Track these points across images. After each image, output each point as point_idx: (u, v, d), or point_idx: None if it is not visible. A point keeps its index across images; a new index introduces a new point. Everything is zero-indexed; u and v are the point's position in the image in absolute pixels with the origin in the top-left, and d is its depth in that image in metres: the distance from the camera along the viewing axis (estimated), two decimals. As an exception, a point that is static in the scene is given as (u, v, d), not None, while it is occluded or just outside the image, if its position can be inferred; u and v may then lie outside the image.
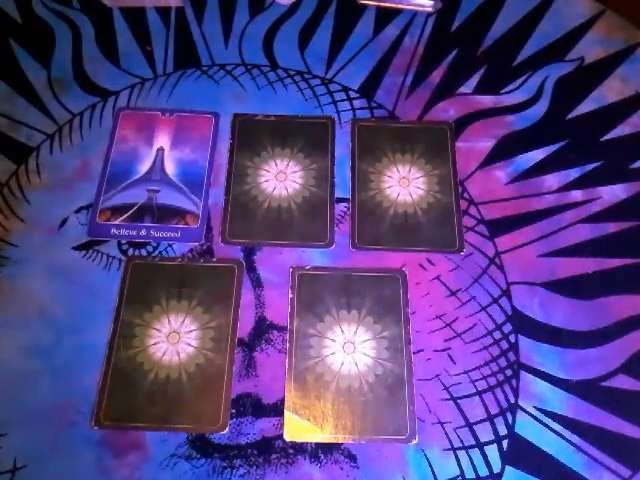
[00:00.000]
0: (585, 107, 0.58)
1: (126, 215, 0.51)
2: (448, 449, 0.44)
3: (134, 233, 0.51)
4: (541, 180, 0.54)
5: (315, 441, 0.44)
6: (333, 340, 0.47)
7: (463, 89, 0.59)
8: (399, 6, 0.63)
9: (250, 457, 0.43)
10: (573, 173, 0.55)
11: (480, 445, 0.44)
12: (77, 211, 0.52)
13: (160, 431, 0.43)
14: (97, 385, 0.44)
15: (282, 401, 0.45)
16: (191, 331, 0.47)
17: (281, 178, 0.54)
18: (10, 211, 0.52)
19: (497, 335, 0.48)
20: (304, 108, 0.58)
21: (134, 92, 0.58)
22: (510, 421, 0.45)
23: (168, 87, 0.58)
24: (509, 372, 0.46)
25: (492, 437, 0.44)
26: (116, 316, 0.47)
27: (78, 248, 0.50)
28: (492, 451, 0.44)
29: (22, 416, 0.44)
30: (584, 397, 0.45)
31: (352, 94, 0.58)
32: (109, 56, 0.60)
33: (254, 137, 0.56)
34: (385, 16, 0.63)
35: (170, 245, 0.51)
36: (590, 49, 0.61)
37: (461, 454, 0.43)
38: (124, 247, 0.50)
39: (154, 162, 0.54)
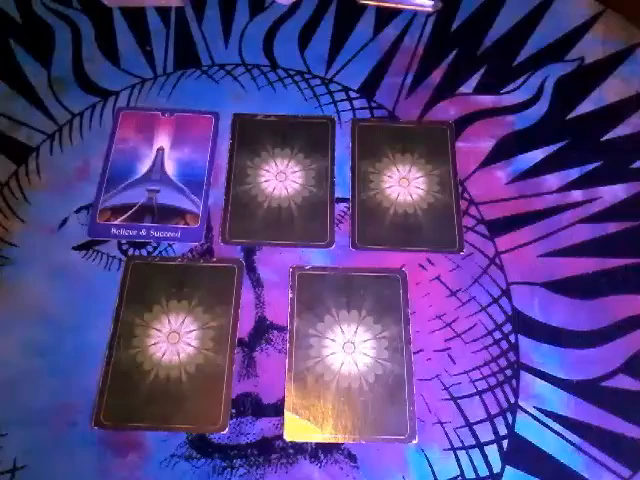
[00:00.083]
0: (585, 107, 0.58)
1: (126, 215, 0.51)
2: (448, 449, 0.44)
3: (134, 233, 0.51)
4: (541, 180, 0.54)
5: (315, 441, 0.44)
6: (333, 340, 0.47)
7: (463, 89, 0.59)
8: (399, 6, 0.63)
9: (250, 457, 0.43)
10: (573, 173, 0.55)
11: (480, 445, 0.44)
12: (77, 211, 0.52)
13: (160, 431, 0.43)
14: (97, 385, 0.44)
15: (282, 401, 0.45)
16: (191, 331, 0.47)
17: (281, 178, 0.54)
18: (10, 211, 0.52)
19: (497, 335, 0.48)
20: (304, 108, 0.58)
21: (134, 92, 0.58)
22: (510, 421, 0.45)
23: (168, 87, 0.58)
24: (509, 372, 0.46)
25: (492, 437, 0.44)
26: (116, 316, 0.47)
27: (78, 248, 0.50)
28: (492, 451, 0.44)
29: (22, 416, 0.44)
30: (584, 397, 0.45)
31: (352, 94, 0.58)
32: (109, 56, 0.60)
33: (254, 137, 0.56)
34: (385, 16, 0.63)
35: (170, 245, 0.51)
36: (590, 49, 0.61)
37: (461, 454, 0.43)
38: (124, 247, 0.50)
39: (154, 162, 0.54)
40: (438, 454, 0.43)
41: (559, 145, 0.56)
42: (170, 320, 0.47)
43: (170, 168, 0.54)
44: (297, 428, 0.44)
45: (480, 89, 0.59)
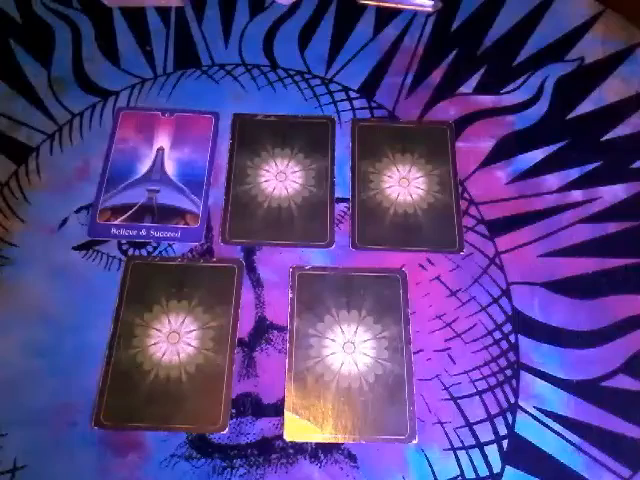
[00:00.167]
0: (585, 107, 0.58)
1: (126, 215, 0.51)
2: (448, 449, 0.44)
3: (134, 233, 0.51)
4: (541, 180, 0.54)
5: (315, 441, 0.44)
6: (333, 340, 0.47)
7: (463, 89, 0.59)
8: (399, 6, 0.63)
9: (250, 457, 0.43)
10: (573, 173, 0.55)
11: (480, 445, 0.44)
12: (77, 211, 0.52)
13: (160, 431, 0.43)
14: (97, 385, 0.44)
15: (282, 401, 0.45)
16: (191, 331, 0.47)
17: (281, 178, 0.54)
18: (10, 211, 0.52)
19: (497, 335, 0.48)
20: (304, 108, 0.58)
21: (134, 92, 0.58)
22: (510, 421, 0.45)
23: (168, 87, 0.58)
24: (509, 372, 0.46)
25: (492, 437, 0.44)
26: (116, 316, 0.47)
27: (78, 248, 0.50)
28: (492, 451, 0.44)
29: (22, 416, 0.44)
30: (584, 397, 0.45)
31: (352, 94, 0.58)
32: (109, 56, 0.60)
33: (254, 137, 0.56)
34: (385, 16, 0.63)
35: (170, 245, 0.51)
36: (590, 49, 0.61)
37: (461, 454, 0.43)
38: (124, 247, 0.50)
39: (154, 162, 0.54)
40: (438, 454, 0.43)
41: (559, 145, 0.56)
42: (170, 320, 0.47)
43: (170, 168, 0.54)
44: (297, 428, 0.44)
45: (480, 89, 0.59)
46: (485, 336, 0.47)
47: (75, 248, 0.50)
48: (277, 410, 0.44)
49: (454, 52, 0.61)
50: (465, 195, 0.53)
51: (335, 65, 0.60)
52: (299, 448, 0.43)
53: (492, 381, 0.46)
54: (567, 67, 0.60)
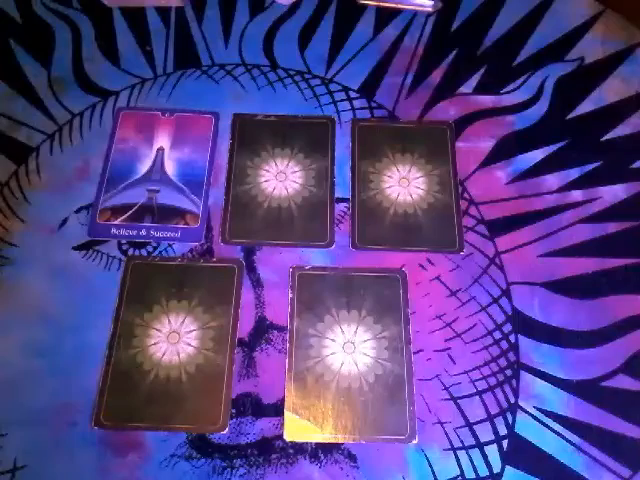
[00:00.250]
0: (585, 107, 0.58)
1: (126, 215, 0.51)
2: (448, 449, 0.44)
3: (134, 233, 0.51)
4: (541, 180, 0.54)
5: (315, 441, 0.44)
6: (333, 340, 0.47)
7: (463, 89, 0.59)
8: (399, 6, 0.63)
9: (250, 457, 0.43)
10: (573, 173, 0.55)
11: (480, 445, 0.44)
12: (77, 211, 0.52)
13: (160, 431, 0.43)
14: (97, 385, 0.44)
15: (282, 401, 0.45)
16: (191, 331, 0.47)
17: (281, 178, 0.54)
18: (10, 211, 0.52)
19: (497, 335, 0.48)
20: (304, 108, 0.58)
21: (134, 92, 0.58)
22: (510, 421, 0.45)
23: (168, 87, 0.58)
24: (509, 372, 0.46)
25: (492, 437, 0.44)
26: (116, 316, 0.47)
27: (78, 248, 0.50)
28: (492, 451, 0.44)
29: (22, 416, 0.44)
30: (584, 397, 0.45)
31: (352, 94, 0.58)
32: (109, 56, 0.60)
33: (254, 137, 0.56)
34: (385, 16, 0.63)
35: (170, 245, 0.51)
36: (590, 49, 0.61)
37: (461, 454, 0.43)
38: (124, 247, 0.50)
39: (154, 162, 0.54)
40: (438, 454, 0.43)
41: (559, 145, 0.56)
42: (170, 320, 0.47)
43: (170, 168, 0.54)
44: (297, 428, 0.44)
45: (480, 89, 0.59)
46: (485, 336, 0.47)
47: (75, 248, 0.50)
48: (277, 410, 0.44)
49: (454, 52, 0.61)
50: (465, 195, 0.53)
51: (335, 65, 0.60)
52: (299, 448, 0.43)
53: (492, 381, 0.46)
54: (567, 67, 0.60)
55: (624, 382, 0.46)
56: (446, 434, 0.44)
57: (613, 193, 0.53)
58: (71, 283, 0.49)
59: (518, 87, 0.59)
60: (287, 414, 0.44)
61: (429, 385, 0.46)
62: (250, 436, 0.44)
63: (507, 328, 0.48)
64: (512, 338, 0.47)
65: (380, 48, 0.61)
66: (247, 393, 0.45)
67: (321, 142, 0.56)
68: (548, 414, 0.45)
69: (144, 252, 0.50)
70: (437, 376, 0.46)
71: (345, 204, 0.53)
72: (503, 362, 0.47)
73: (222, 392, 0.44)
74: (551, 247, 0.51)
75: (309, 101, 0.58)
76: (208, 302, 0.48)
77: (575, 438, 0.44)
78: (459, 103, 0.58)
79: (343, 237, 0.51)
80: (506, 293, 0.49)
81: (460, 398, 0.45)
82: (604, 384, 0.46)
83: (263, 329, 0.48)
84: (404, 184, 0.54)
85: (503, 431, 0.44)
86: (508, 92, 0.59)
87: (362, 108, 0.58)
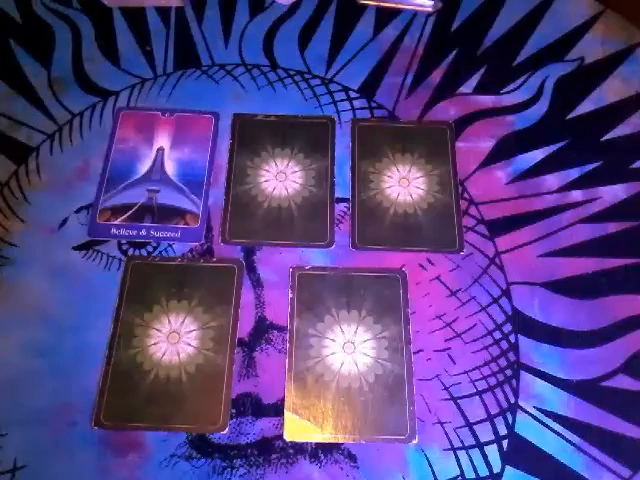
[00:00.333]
0: (585, 107, 0.58)
1: (126, 215, 0.51)
2: (448, 449, 0.44)
3: (134, 233, 0.51)
4: (541, 180, 0.54)
5: (315, 441, 0.44)
6: (333, 340, 0.47)
7: (463, 89, 0.59)
8: (399, 6, 0.63)
9: (250, 457, 0.43)
10: (573, 173, 0.55)
11: (480, 445, 0.44)
12: (77, 211, 0.52)
13: (160, 431, 0.43)
14: (97, 385, 0.44)
15: (282, 401, 0.45)
16: (191, 331, 0.47)
17: (281, 178, 0.54)
18: (10, 211, 0.52)
19: (497, 335, 0.48)
20: (304, 108, 0.58)
21: (134, 92, 0.58)
22: (510, 421, 0.45)
23: (168, 87, 0.58)
24: (509, 372, 0.46)
25: (492, 437, 0.44)
26: (116, 316, 0.47)
27: (78, 248, 0.50)
28: (492, 451, 0.44)
29: (22, 416, 0.44)
30: (584, 397, 0.45)
31: (352, 94, 0.58)
32: (109, 56, 0.60)
33: (254, 137, 0.56)
34: (385, 16, 0.63)
35: (170, 245, 0.51)
36: (590, 49, 0.61)
37: (461, 454, 0.43)
38: (124, 247, 0.50)
39: (154, 162, 0.54)
40: (438, 454, 0.43)
41: (559, 145, 0.56)
42: (170, 320, 0.47)
43: (170, 168, 0.54)
44: (297, 428, 0.44)
45: (480, 89, 0.59)
46: (485, 336, 0.47)
47: (75, 248, 0.50)
48: (277, 410, 0.44)
49: (454, 52, 0.61)
50: (465, 195, 0.53)
51: (335, 65, 0.60)
52: (299, 448, 0.43)
53: (492, 381, 0.46)
54: (567, 67, 0.60)
55: (624, 382, 0.46)
56: (446, 434, 0.44)
57: (613, 193, 0.53)
58: (71, 283, 0.49)
59: (518, 87, 0.59)
60: (287, 414, 0.44)
61: (429, 385, 0.46)
62: (250, 436, 0.44)
63: (507, 328, 0.48)
64: (512, 338, 0.47)
65: (380, 48, 0.61)
66: (247, 393, 0.45)
67: (321, 142, 0.56)
68: (548, 414, 0.45)
69: (144, 252, 0.50)
70: (437, 376, 0.46)
71: (345, 204, 0.53)
72: (503, 362, 0.47)
73: (222, 392, 0.44)
74: (551, 247, 0.51)
75: (309, 101, 0.58)
76: (208, 302, 0.48)
77: (575, 438, 0.44)
78: (459, 103, 0.58)
79: (343, 237, 0.51)
80: (506, 293, 0.49)
81: (460, 398, 0.45)
82: (604, 384, 0.46)
83: (263, 329, 0.48)
84: (404, 184, 0.54)
85: (503, 431, 0.44)
86: (508, 92, 0.59)
87: (362, 108, 0.58)
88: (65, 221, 0.51)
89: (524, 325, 0.48)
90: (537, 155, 0.55)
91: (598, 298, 0.49)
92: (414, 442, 0.43)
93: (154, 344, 0.46)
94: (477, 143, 0.56)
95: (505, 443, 0.44)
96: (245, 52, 0.60)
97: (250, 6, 0.63)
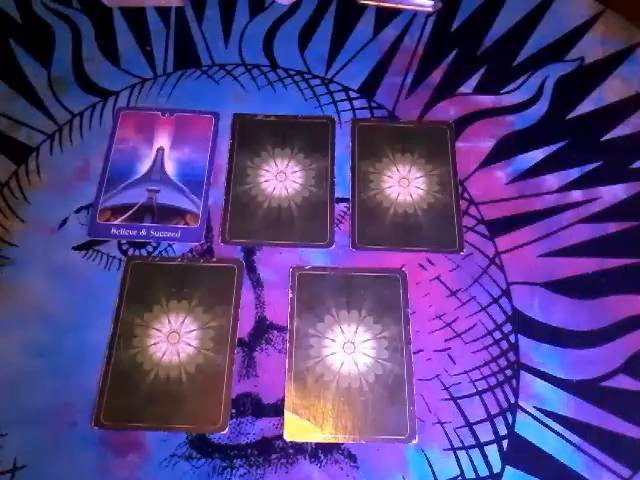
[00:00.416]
0: (585, 107, 0.58)
1: (126, 215, 0.51)
2: (448, 449, 0.44)
3: (134, 233, 0.51)
4: (541, 180, 0.54)
5: (315, 441, 0.44)
6: (333, 340, 0.47)
7: (463, 89, 0.59)
8: (399, 6, 0.63)
9: (250, 457, 0.43)
10: (573, 173, 0.55)
11: (480, 445, 0.44)
12: (77, 211, 0.52)
13: (160, 431, 0.43)
14: (97, 385, 0.44)
15: (282, 401, 0.45)
16: (191, 331, 0.47)
17: (281, 178, 0.54)
18: (10, 211, 0.52)
19: (497, 335, 0.48)
20: (304, 108, 0.58)
21: (134, 92, 0.58)
22: (510, 421, 0.45)
23: (168, 87, 0.58)
24: (509, 372, 0.46)
25: (492, 437, 0.44)
26: (116, 316, 0.47)
27: (78, 248, 0.50)
28: (492, 451, 0.44)
29: (22, 416, 0.44)
30: (584, 397, 0.45)
31: (352, 94, 0.58)
32: (109, 56, 0.60)
33: (254, 137, 0.56)
34: (385, 16, 0.63)
35: (170, 245, 0.51)
36: (590, 49, 0.61)
37: (461, 454, 0.43)
38: (124, 247, 0.50)
39: (154, 162, 0.54)
40: (438, 454, 0.43)
41: (559, 145, 0.56)
42: (170, 320, 0.47)
43: (170, 168, 0.54)
44: (297, 428, 0.44)
45: (480, 89, 0.59)
46: (485, 336, 0.47)
47: (75, 248, 0.50)
48: (277, 410, 0.44)
49: (454, 52, 0.61)
50: (465, 195, 0.53)
51: (335, 65, 0.60)
52: (299, 448, 0.43)
53: (492, 381, 0.46)
54: (567, 67, 0.60)
55: (624, 382, 0.46)
56: (446, 434, 0.44)
57: (613, 193, 0.53)
58: (71, 283, 0.49)
59: (518, 87, 0.59)
60: (287, 414, 0.44)
61: (429, 385, 0.46)
62: (250, 436, 0.44)
63: (507, 328, 0.48)
64: (512, 338, 0.47)
65: (380, 48, 0.61)
66: (247, 393, 0.45)
67: (321, 142, 0.56)
68: (548, 414, 0.45)
69: (144, 252, 0.50)
70: (437, 376, 0.46)
71: (345, 204, 0.53)
72: (503, 362, 0.47)
73: (222, 392, 0.44)
74: (551, 247, 0.51)
75: (309, 101, 0.58)
76: (208, 302, 0.48)
77: (575, 438, 0.44)
78: (459, 103, 0.58)
79: (343, 237, 0.51)
80: (506, 293, 0.49)
81: (460, 398, 0.45)
82: (604, 384, 0.46)
83: (263, 329, 0.48)
84: (404, 184, 0.54)
85: (503, 431, 0.44)
86: (508, 92, 0.59)
87: (362, 108, 0.58)
88: (65, 221, 0.51)
89: (524, 325, 0.48)
90: (537, 155, 0.55)
91: (598, 298, 0.49)
92: (414, 442, 0.43)
93: (154, 344, 0.46)
94: (477, 143, 0.56)
95: (505, 443, 0.44)
96: (245, 52, 0.60)
97: (250, 6, 0.63)
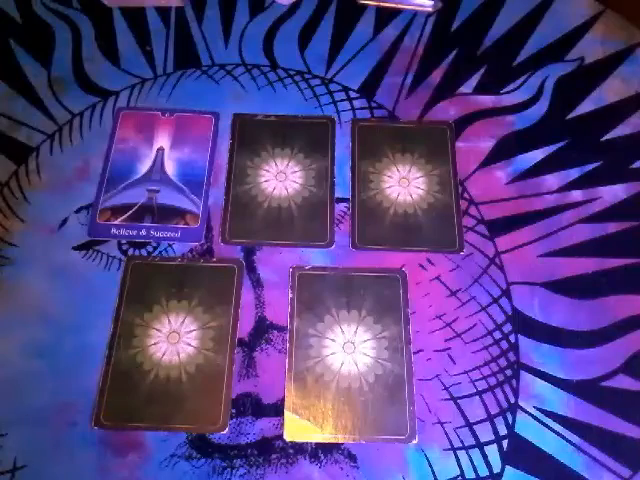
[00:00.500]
0: (585, 107, 0.58)
1: (126, 215, 0.51)
2: (448, 449, 0.44)
3: (134, 233, 0.51)
4: (541, 180, 0.54)
5: (315, 441, 0.44)
6: (333, 340, 0.47)
7: (463, 89, 0.59)
8: (399, 6, 0.63)
9: (250, 457, 0.43)
10: (573, 173, 0.55)
11: (480, 445, 0.44)
12: (77, 211, 0.52)
13: (160, 431, 0.43)
14: (97, 385, 0.44)
15: (282, 401, 0.45)
16: (191, 331, 0.47)
17: (281, 178, 0.54)
18: (10, 211, 0.52)
19: (497, 335, 0.48)
20: (304, 108, 0.58)
21: (134, 92, 0.58)
22: (510, 421, 0.45)
23: (168, 87, 0.58)
24: (509, 372, 0.46)
25: (492, 437, 0.44)
26: (116, 316, 0.47)
27: (78, 248, 0.50)
28: (492, 451, 0.44)
29: (22, 416, 0.44)
30: (584, 397, 0.45)
31: (352, 94, 0.58)
32: (109, 56, 0.60)
33: (254, 137, 0.56)
34: (385, 16, 0.63)
35: (170, 245, 0.51)
36: (590, 49, 0.61)
37: (461, 454, 0.43)
38: (124, 247, 0.50)
39: (154, 162, 0.54)
40: (438, 454, 0.43)
41: (559, 145, 0.56)
42: (170, 320, 0.47)
43: (170, 168, 0.54)
44: (297, 428, 0.44)
45: (480, 89, 0.59)
46: (485, 336, 0.47)
47: (75, 248, 0.50)
48: (277, 410, 0.44)
49: (454, 52, 0.61)
50: (465, 195, 0.53)
51: (335, 65, 0.60)
52: (299, 448, 0.43)
53: (492, 381, 0.46)
54: (567, 67, 0.60)
55: (624, 382, 0.46)
56: (446, 434, 0.44)
57: (613, 193, 0.53)
58: (71, 283, 0.49)
59: (518, 87, 0.59)
60: (287, 414, 0.44)
61: (429, 385, 0.46)
62: (250, 436, 0.44)
63: (507, 328, 0.48)
64: (512, 338, 0.47)
65: (380, 48, 0.61)
66: (247, 393, 0.45)
67: (321, 142, 0.56)
68: (548, 414, 0.45)
69: (144, 252, 0.50)
70: (437, 376, 0.46)
71: (345, 204, 0.53)
72: (503, 362, 0.47)
73: (222, 392, 0.44)
74: (551, 247, 0.51)
75: (309, 101, 0.58)
76: (208, 302, 0.48)
77: (575, 438, 0.44)
78: (459, 103, 0.58)
79: (343, 237, 0.51)
80: (506, 293, 0.49)
81: (460, 398, 0.45)
82: (604, 384, 0.46)
83: (263, 329, 0.48)
84: (404, 184, 0.54)
85: (503, 431, 0.44)
86: (508, 92, 0.59)
87: (362, 108, 0.58)
88: (65, 221, 0.51)
89: (524, 325, 0.48)
90: (537, 155, 0.55)
91: (598, 298, 0.49)
92: (414, 442, 0.43)
93: (154, 344, 0.46)
94: (477, 143, 0.56)
95: (505, 443, 0.44)
96: (245, 52, 0.60)
97: (250, 6, 0.63)
